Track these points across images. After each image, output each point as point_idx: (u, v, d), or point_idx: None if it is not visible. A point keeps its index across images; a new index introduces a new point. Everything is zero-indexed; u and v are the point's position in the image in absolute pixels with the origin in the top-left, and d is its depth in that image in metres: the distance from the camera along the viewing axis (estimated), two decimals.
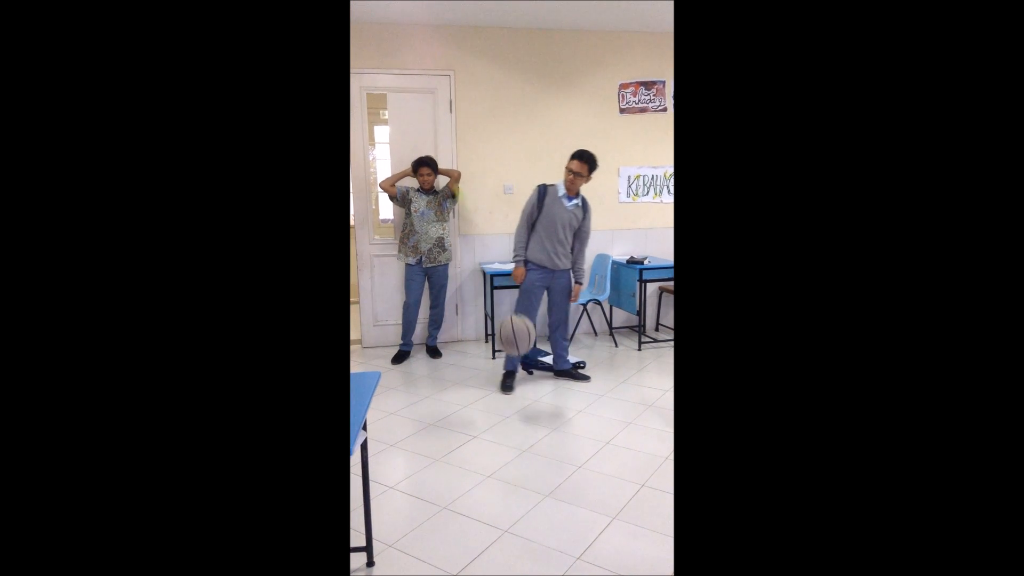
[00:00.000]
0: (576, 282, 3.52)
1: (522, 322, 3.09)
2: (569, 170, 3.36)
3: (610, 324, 4.66)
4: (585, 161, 3.35)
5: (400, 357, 4.10)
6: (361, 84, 4.15)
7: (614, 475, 2.48)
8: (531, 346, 3.13)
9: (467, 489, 2.38)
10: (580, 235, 3.49)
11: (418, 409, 3.25)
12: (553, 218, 3.39)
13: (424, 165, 3.94)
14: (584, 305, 4.46)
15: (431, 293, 4.12)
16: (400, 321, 4.24)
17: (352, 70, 4.09)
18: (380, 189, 4.09)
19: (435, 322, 4.20)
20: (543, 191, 3.45)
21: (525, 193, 4.50)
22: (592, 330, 4.76)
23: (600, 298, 4.36)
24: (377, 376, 1.79)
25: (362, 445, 1.84)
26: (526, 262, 3.47)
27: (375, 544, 1.99)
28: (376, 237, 4.39)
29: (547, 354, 4.01)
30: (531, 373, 3.83)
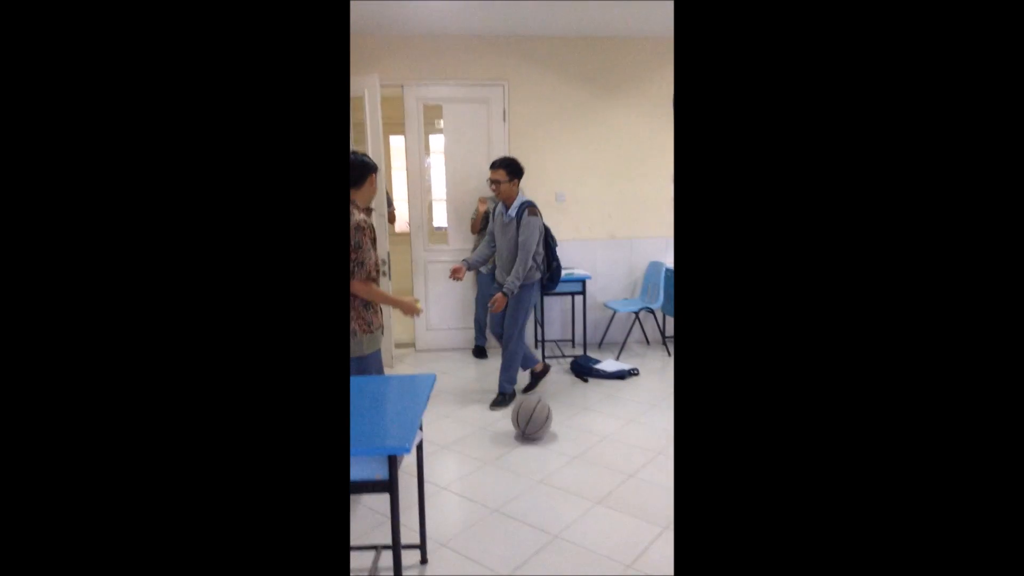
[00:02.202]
0: (502, 292, 3.17)
1: (530, 408, 2.88)
2: (489, 180, 3.25)
3: (663, 333, 4.60)
4: (502, 167, 3.19)
5: (479, 352, 4.38)
6: (417, 95, 4.27)
7: (665, 486, 2.45)
8: (545, 428, 2.90)
9: (518, 493, 2.41)
10: (519, 246, 3.18)
11: (469, 412, 3.30)
12: (497, 234, 3.33)
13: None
14: (636, 313, 4.42)
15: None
16: (465, 324, 4.53)
17: (408, 82, 4.23)
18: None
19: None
20: (492, 210, 3.38)
21: (577, 201, 4.51)
22: (644, 339, 4.71)
23: (653, 306, 4.32)
24: (432, 379, 1.85)
25: (418, 446, 1.90)
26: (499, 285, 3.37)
27: (429, 543, 2.04)
28: (430, 244, 4.50)
29: (598, 361, 4.00)
30: (586, 380, 3.82)
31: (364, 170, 2.30)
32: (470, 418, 3.22)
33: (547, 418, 2.88)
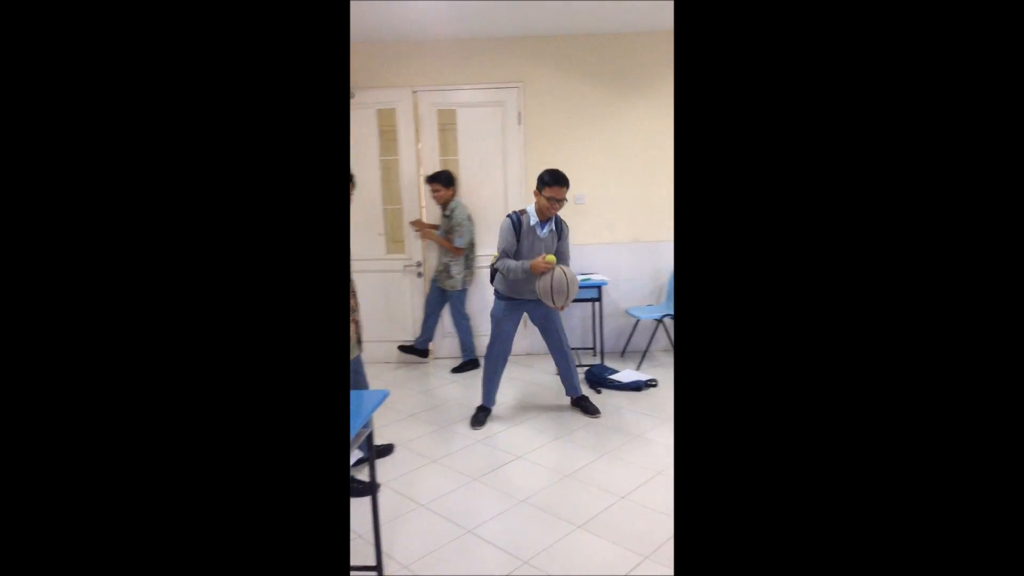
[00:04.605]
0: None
1: (561, 277, 2.87)
2: (553, 199, 2.92)
3: None
4: (567, 182, 2.94)
5: (464, 366, 4.24)
6: (432, 101, 4.24)
7: (659, 509, 2.27)
8: (568, 300, 2.92)
9: (497, 512, 2.29)
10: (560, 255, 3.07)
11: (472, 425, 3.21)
12: (531, 250, 3.03)
13: (433, 180, 3.97)
14: (660, 320, 4.20)
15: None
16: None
17: (423, 88, 4.20)
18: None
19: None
20: (516, 221, 3.02)
21: (597, 203, 4.35)
22: (671, 346, 4.47)
23: None
24: (382, 395, 1.78)
25: (371, 462, 1.83)
26: (496, 292, 3.18)
27: (392, 563, 1.96)
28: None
29: (615, 371, 3.82)
30: (599, 392, 3.66)
31: None
32: (473, 431, 3.13)
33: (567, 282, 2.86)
